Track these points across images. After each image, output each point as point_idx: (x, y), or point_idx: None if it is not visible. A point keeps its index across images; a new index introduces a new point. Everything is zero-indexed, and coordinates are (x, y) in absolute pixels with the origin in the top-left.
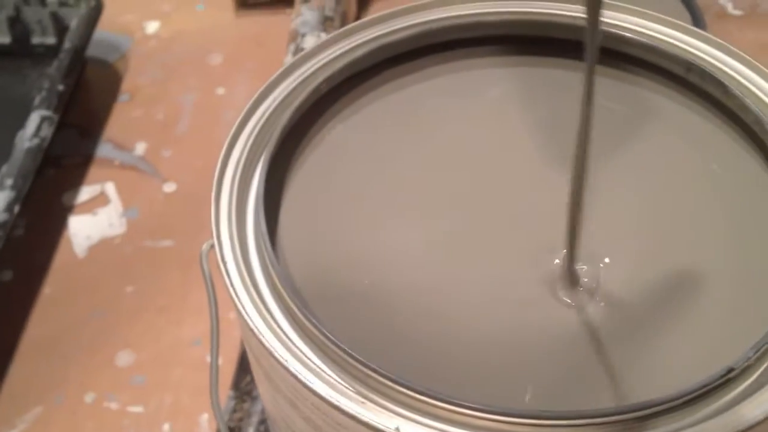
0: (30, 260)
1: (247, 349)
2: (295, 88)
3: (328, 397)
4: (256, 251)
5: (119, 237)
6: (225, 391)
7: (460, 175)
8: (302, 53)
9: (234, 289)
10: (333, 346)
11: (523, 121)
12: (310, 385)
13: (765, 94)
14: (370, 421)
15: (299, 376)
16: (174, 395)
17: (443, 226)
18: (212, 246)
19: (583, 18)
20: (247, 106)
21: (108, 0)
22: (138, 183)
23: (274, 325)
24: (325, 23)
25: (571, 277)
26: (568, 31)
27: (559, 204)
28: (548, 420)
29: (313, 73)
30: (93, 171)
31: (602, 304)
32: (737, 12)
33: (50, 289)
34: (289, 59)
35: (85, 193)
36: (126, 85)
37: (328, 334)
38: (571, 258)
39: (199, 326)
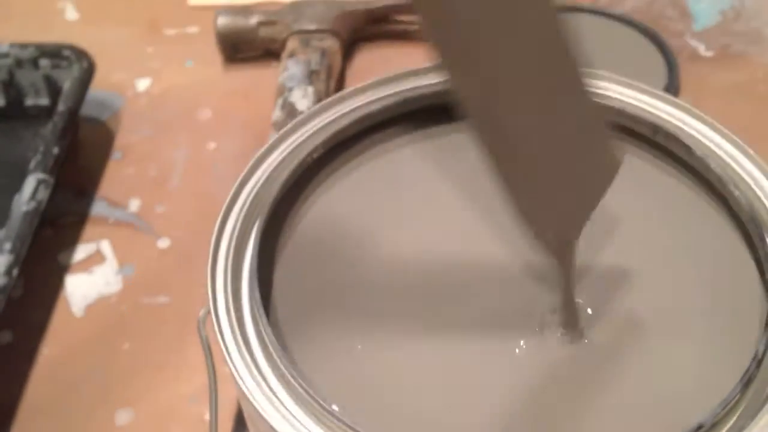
0: (28, 321)
1: (245, 415)
2: (282, 161)
3: None
4: (251, 318)
5: (115, 295)
6: None
7: (440, 234)
8: (286, 128)
9: (232, 361)
10: (326, 413)
11: None
12: None
13: (726, 153)
14: None
15: None
16: None
17: (429, 285)
18: (209, 311)
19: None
20: (237, 183)
21: (99, 58)
22: (133, 240)
23: (270, 394)
24: (312, 77)
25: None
26: None
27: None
28: None
29: (298, 146)
30: (88, 229)
31: (581, 359)
32: (709, 53)
33: (49, 349)
34: (277, 113)
35: (81, 251)
36: (118, 142)
37: (321, 402)
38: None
39: (196, 382)
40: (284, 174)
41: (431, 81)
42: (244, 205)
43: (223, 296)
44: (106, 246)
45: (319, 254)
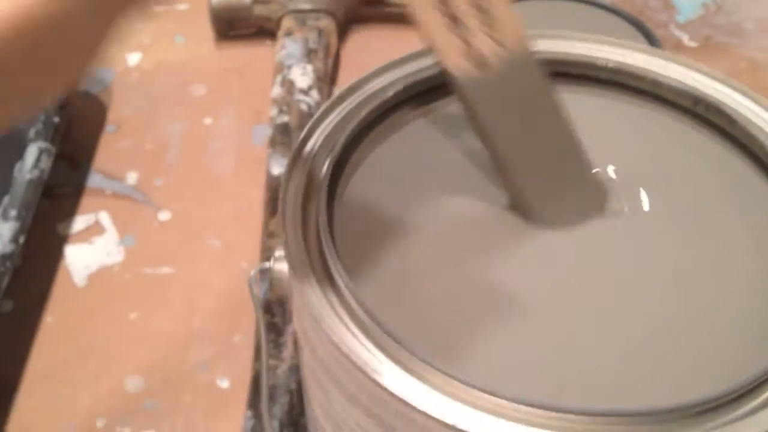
0: (29, 290)
1: (310, 355)
2: (350, 111)
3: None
4: (319, 255)
5: (118, 265)
6: (238, 415)
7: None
8: (359, 78)
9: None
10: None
11: None
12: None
13: (766, 122)
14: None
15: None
16: (186, 419)
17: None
18: (260, 271)
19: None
20: (309, 124)
21: None
22: (132, 212)
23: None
24: (310, 55)
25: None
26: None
27: None
28: (607, 416)
29: (366, 98)
30: (86, 201)
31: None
32: (693, 44)
33: (52, 318)
34: (276, 90)
35: (80, 222)
36: (112, 116)
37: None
38: None
39: (205, 351)
40: (353, 122)
41: None
42: (314, 146)
43: (294, 235)
44: (105, 217)
45: (380, 193)
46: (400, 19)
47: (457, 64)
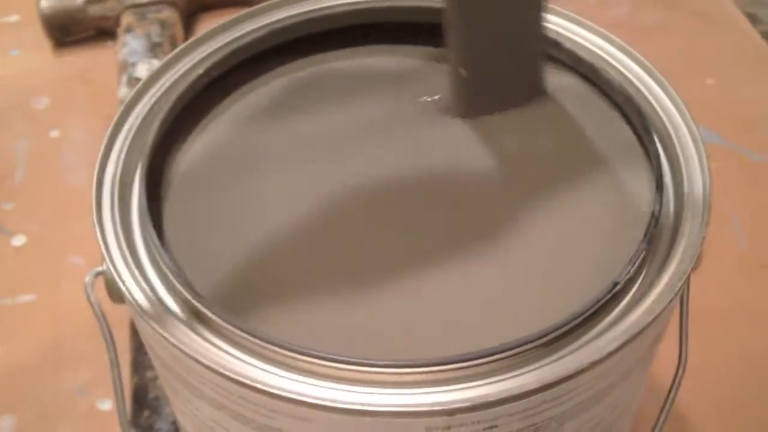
0: None
1: (146, 344)
2: (157, 100)
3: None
4: (142, 240)
5: None
6: None
7: (329, 156)
8: (170, 55)
9: (118, 272)
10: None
11: (382, 105)
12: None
13: (596, 46)
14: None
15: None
16: None
17: (317, 206)
18: (96, 275)
19: None
20: (127, 100)
21: None
22: None
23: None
24: (155, 49)
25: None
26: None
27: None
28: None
29: (172, 85)
30: None
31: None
32: None
33: None
34: (123, 90)
35: None
36: None
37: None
38: None
39: (79, 375)
40: (161, 114)
41: (327, 4)
42: (122, 146)
43: (110, 215)
44: None
45: (209, 176)
46: (244, 2)
47: None
